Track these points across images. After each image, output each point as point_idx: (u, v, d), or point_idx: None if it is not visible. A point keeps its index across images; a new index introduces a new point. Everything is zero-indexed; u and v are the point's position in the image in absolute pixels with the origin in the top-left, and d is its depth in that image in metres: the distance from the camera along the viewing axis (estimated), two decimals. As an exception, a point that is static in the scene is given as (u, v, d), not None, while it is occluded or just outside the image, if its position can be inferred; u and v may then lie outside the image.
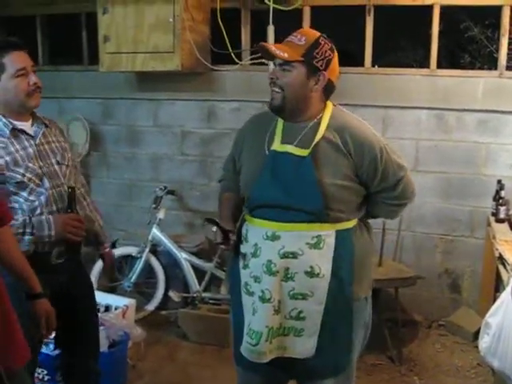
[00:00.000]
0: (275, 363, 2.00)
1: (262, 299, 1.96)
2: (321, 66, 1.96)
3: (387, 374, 3.46)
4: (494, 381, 2.97)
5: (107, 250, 2.63)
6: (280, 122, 2.06)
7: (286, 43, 1.97)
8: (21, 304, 1.90)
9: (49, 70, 4.75)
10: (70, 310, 2.42)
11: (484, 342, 2.75)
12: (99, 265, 3.99)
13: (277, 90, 1.96)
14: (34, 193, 2.21)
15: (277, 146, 2.01)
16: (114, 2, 3.92)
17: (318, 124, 1.99)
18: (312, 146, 1.96)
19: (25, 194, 2.19)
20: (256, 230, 2.02)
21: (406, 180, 2.07)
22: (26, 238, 2.14)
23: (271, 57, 1.97)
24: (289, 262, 1.94)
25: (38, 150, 2.26)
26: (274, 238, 1.96)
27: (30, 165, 2.20)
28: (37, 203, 2.21)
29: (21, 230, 2.12)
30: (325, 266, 1.95)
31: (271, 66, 3.83)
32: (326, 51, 1.97)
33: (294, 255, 1.94)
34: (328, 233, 1.96)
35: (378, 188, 2.04)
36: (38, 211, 2.21)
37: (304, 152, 1.96)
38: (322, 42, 1.97)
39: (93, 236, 2.56)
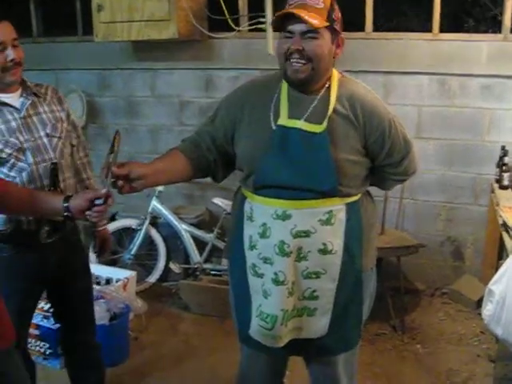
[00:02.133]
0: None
1: (276, 281, 1.87)
2: (340, 28, 1.85)
3: (390, 343, 3.47)
4: (497, 348, 2.95)
5: (101, 228, 2.53)
6: (284, 91, 1.91)
7: (304, 7, 1.76)
8: (8, 284, 1.84)
9: (44, 41, 4.68)
10: (62, 288, 2.38)
11: (487, 309, 2.72)
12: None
13: (303, 61, 1.78)
14: (15, 168, 2.11)
15: (284, 120, 1.87)
16: (107, -31, 3.83)
17: (328, 94, 1.87)
18: (325, 120, 1.84)
19: (5, 169, 2.10)
20: (263, 209, 1.90)
21: (410, 156, 1.99)
22: (2, 217, 2.08)
23: (295, 23, 1.76)
24: (302, 241, 1.86)
25: (24, 122, 2.15)
26: (285, 217, 1.86)
27: (12, 139, 2.10)
28: (18, 179, 2.11)
29: None
30: (337, 242, 1.89)
31: (270, 33, 3.76)
32: (338, 12, 1.84)
33: (307, 234, 1.85)
34: (339, 207, 1.88)
35: (382, 162, 1.96)
36: None
37: (317, 128, 1.84)
38: (334, 3, 1.83)
39: None
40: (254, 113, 1.93)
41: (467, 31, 4.61)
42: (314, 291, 1.91)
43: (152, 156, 4.48)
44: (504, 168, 3.57)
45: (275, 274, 1.87)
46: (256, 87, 2.02)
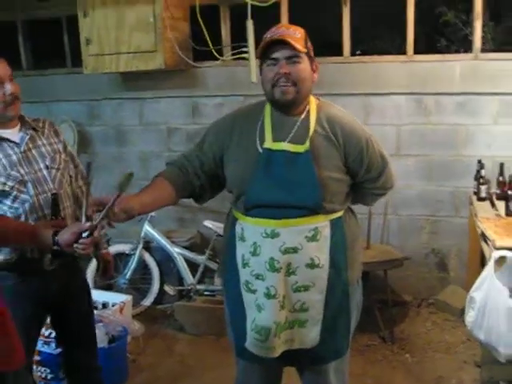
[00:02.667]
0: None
1: (268, 296, 1.99)
2: (313, 56, 2.03)
3: (380, 354, 3.57)
4: (482, 353, 3.07)
5: (104, 251, 2.65)
6: (267, 117, 2.06)
7: (286, 37, 1.94)
8: (14, 311, 1.93)
9: (33, 74, 4.80)
10: (64, 312, 2.48)
11: (469, 316, 2.84)
12: (94, 263, 4.07)
13: (289, 84, 1.95)
14: (18, 200, 2.22)
15: (270, 143, 2.02)
16: (94, 4, 3.97)
17: (308, 117, 2.03)
18: (307, 140, 1.99)
19: (8, 201, 2.20)
20: (254, 229, 2.03)
21: (387, 171, 2.14)
22: (7, 248, 2.18)
23: (280, 49, 1.94)
24: (290, 257, 1.99)
25: (24, 156, 2.26)
26: (274, 235, 1.99)
27: (13, 172, 2.21)
28: (21, 210, 2.22)
29: None
30: (323, 257, 2.01)
31: (252, 61, 3.90)
32: (310, 42, 2.03)
33: (295, 250, 1.98)
34: (323, 224, 2.01)
35: (362, 178, 2.10)
36: (23, 218, 2.22)
37: (300, 148, 1.99)
38: (307, 35, 2.03)
39: None
40: (241, 138, 2.08)
41: (440, 51, 4.79)
42: (304, 303, 2.03)
43: (142, 182, 4.58)
44: (481, 181, 3.69)
45: (267, 288, 1.99)
46: (242, 114, 2.18)
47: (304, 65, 1.98)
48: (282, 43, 1.93)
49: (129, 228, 4.28)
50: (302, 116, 2.03)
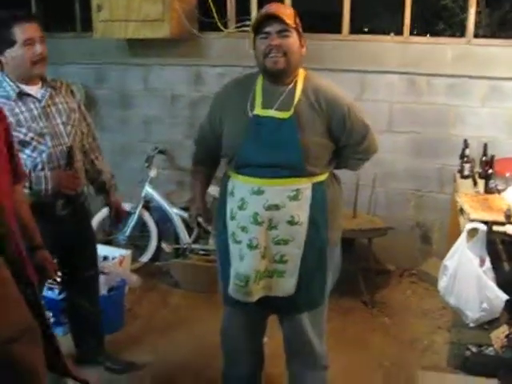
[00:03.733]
0: (258, 300, 2.29)
1: (250, 246, 2.21)
2: (302, 32, 2.24)
3: (360, 316, 3.80)
4: (452, 317, 3.30)
5: (113, 198, 2.91)
6: (259, 86, 2.28)
7: (277, 12, 2.15)
8: None
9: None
10: (72, 258, 2.73)
11: (442, 281, 3.05)
12: (100, 215, 4.31)
13: (280, 55, 2.15)
14: (37, 150, 2.48)
15: (259, 110, 2.23)
16: (106, -28, 4.11)
17: (294, 87, 2.24)
18: (292, 108, 2.20)
19: (28, 151, 2.47)
20: (242, 186, 2.25)
21: (369, 136, 2.35)
22: (26, 191, 2.40)
23: (272, 23, 2.14)
24: (273, 213, 2.19)
25: (44, 111, 2.52)
26: (260, 192, 2.20)
27: (33, 125, 2.47)
28: (38, 160, 2.49)
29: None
30: (303, 215, 2.22)
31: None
32: (298, 19, 2.24)
33: (277, 207, 2.19)
34: (305, 186, 2.22)
35: (345, 143, 2.30)
36: (40, 167, 2.49)
37: (285, 114, 2.20)
38: (295, 12, 2.25)
39: (100, 185, 2.87)
40: (234, 105, 2.31)
41: (437, 34, 4.94)
42: (283, 255, 2.25)
43: (144, 144, 4.80)
44: (465, 159, 3.85)
45: (250, 240, 2.22)
46: (236, 84, 2.42)
47: (293, 39, 2.18)
48: (274, 18, 2.15)
49: (131, 188, 4.51)
50: (290, 86, 2.24)
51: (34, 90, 2.53)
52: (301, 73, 2.29)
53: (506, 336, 2.76)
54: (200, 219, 2.58)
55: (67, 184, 2.52)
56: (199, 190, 2.55)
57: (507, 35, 4.56)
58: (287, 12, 2.19)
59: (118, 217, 3.00)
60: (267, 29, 2.16)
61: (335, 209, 2.35)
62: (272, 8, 2.19)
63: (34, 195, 2.44)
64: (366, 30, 4.86)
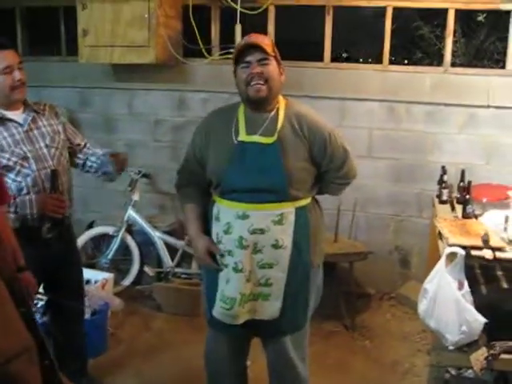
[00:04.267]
0: (243, 323, 2.32)
1: (236, 270, 2.26)
2: (281, 60, 2.32)
3: (342, 339, 3.84)
4: (432, 340, 3.34)
5: (115, 153, 2.94)
6: (241, 115, 2.34)
7: (257, 42, 2.23)
8: None
9: (29, 60, 4.96)
10: (57, 281, 2.74)
11: (422, 305, 3.09)
12: (82, 239, 4.36)
13: (262, 82, 2.22)
14: (21, 174, 2.50)
15: (243, 136, 2.29)
16: (92, -2, 4.17)
17: (277, 114, 2.32)
18: (276, 133, 2.27)
19: (12, 175, 2.48)
20: (228, 211, 2.29)
21: (349, 162, 2.42)
22: (12, 216, 2.43)
23: (253, 52, 2.21)
24: (257, 237, 2.25)
25: (26, 135, 2.55)
26: (245, 217, 2.25)
27: (16, 149, 2.49)
28: (23, 184, 2.51)
29: (7, 209, 2.38)
30: (287, 239, 2.28)
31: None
32: (276, 50, 2.33)
33: (262, 231, 2.25)
34: (289, 210, 2.28)
35: (326, 168, 2.37)
36: (25, 191, 2.51)
37: (269, 140, 2.27)
38: (273, 42, 2.33)
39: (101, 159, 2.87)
40: (217, 135, 2.37)
41: (415, 62, 5.08)
42: (268, 279, 2.30)
43: (127, 168, 4.77)
44: (443, 185, 3.95)
45: (235, 263, 2.27)
46: (217, 116, 2.47)
47: (273, 66, 2.26)
48: (254, 47, 2.23)
49: (113, 212, 4.52)
50: (272, 113, 2.32)
51: (16, 114, 2.57)
52: (281, 100, 2.37)
53: (485, 358, 2.80)
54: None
55: (52, 208, 2.53)
56: (196, 226, 2.44)
57: (482, 64, 4.73)
58: (266, 41, 2.27)
59: (121, 165, 2.92)
60: (248, 58, 2.24)
61: (317, 233, 2.41)
62: (252, 38, 2.27)
63: (19, 220, 2.46)
64: (346, 57, 4.97)
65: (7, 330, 1.52)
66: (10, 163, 2.48)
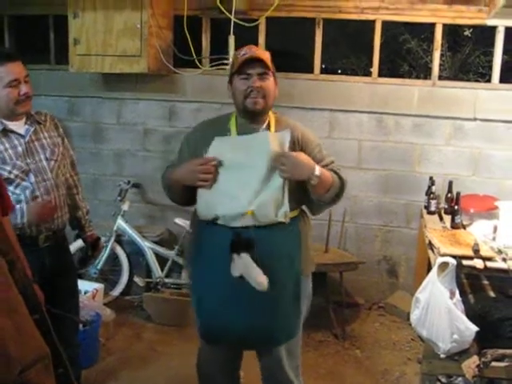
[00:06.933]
0: (235, 335, 2.29)
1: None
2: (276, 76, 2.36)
3: (333, 349, 3.87)
4: (423, 348, 3.38)
5: (90, 233, 2.92)
6: (233, 126, 2.35)
7: (258, 56, 2.26)
8: None
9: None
10: (53, 290, 2.71)
11: (414, 314, 3.12)
12: (71, 248, 4.25)
13: (260, 96, 2.25)
14: (20, 187, 2.47)
15: None
16: (84, 7, 4.16)
17: (268, 126, 2.34)
18: None
19: (11, 187, 2.45)
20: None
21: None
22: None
23: (254, 66, 2.23)
24: None
25: (28, 147, 2.52)
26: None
27: (18, 162, 2.46)
28: (22, 196, 2.47)
29: None
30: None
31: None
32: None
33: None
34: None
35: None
36: (24, 204, 2.47)
37: None
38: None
39: (76, 221, 2.88)
40: (208, 145, 2.31)
41: (402, 75, 5.17)
42: None
43: (116, 178, 4.79)
44: (431, 196, 4.03)
45: None
46: (208, 126, 2.46)
47: (271, 81, 2.29)
48: (255, 61, 2.25)
49: (103, 221, 4.50)
50: (264, 125, 2.34)
51: (18, 125, 2.54)
52: (270, 114, 2.38)
53: (477, 366, 2.85)
54: None
55: (43, 215, 2.50)
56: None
57: (468, 77, 4.83)
58: (266, 55, 2.31)
59: (95, 249, 2.99)
60: (249, 70, 2.26)
61: (307, 241, 2.43)
62: (253, 51, 2.30)
63: (17, 229, 2.43)
64: (336, 70, 5.03)
65: (22, 338, 1.50)
66: (11, 176, 2.45)
